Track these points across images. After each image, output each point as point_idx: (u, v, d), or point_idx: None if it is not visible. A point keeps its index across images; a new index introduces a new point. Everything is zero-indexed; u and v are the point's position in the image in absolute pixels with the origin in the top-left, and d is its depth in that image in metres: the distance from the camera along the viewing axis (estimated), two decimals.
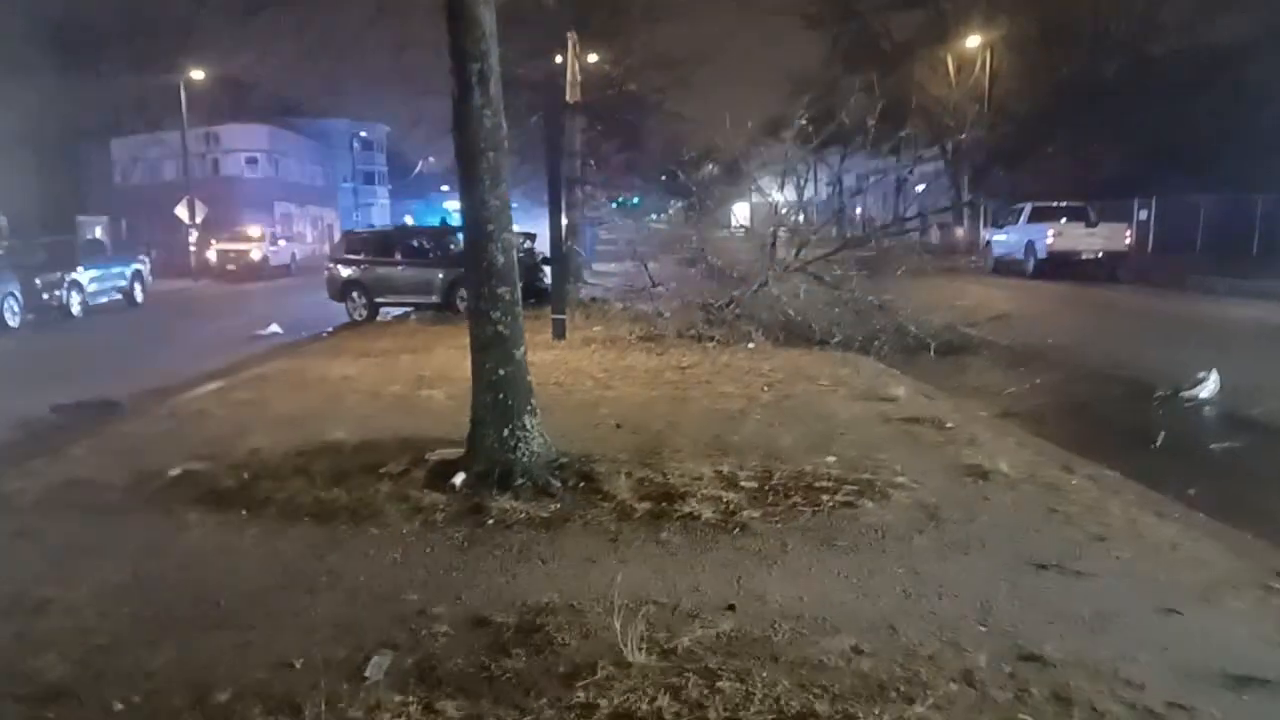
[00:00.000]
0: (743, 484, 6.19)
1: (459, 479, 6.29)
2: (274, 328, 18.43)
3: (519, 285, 6.74)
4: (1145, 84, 36.55)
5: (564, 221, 16.53)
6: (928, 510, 5.69)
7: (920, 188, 44.92)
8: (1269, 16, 32.23)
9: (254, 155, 56.95)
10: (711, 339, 13.34)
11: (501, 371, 6.52)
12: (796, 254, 14.67)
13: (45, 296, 22.53)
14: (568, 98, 15.02)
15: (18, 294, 21.42)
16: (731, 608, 4.34)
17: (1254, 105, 30.85)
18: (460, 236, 19.86)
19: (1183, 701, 3.47)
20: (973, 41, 38.47)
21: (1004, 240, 29.89)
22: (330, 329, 18.86)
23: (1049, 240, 26.89)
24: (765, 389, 9.86)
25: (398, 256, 20.53)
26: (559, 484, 6.25)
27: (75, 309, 23.33)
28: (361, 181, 77.05)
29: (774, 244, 14.78)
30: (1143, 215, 33.49)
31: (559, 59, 23.40)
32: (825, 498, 5.84)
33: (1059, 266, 26.63)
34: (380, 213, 77.11)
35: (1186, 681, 3.64)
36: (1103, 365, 11.87)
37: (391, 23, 12.86)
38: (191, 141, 43.95)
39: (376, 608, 4.49)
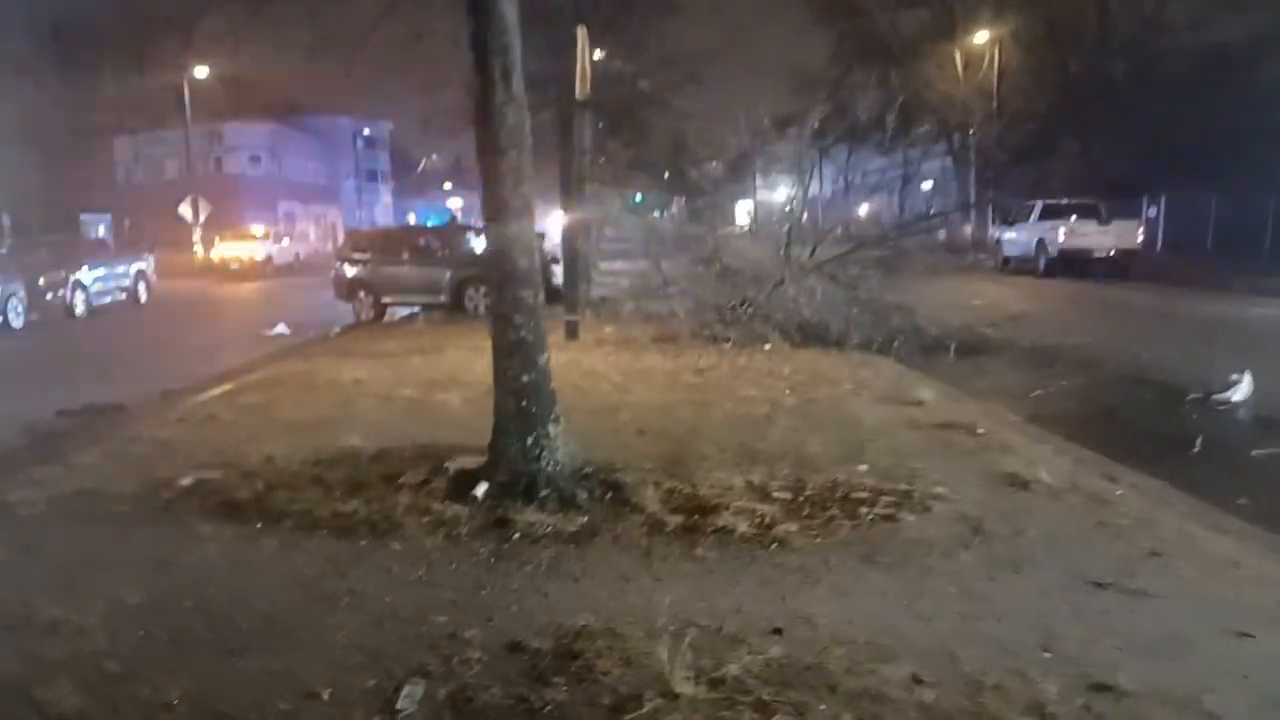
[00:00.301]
0: (776, 495, 5.96)
1: (481, 490, 6.07)
2: (281, 328, 18.22)
3: (542, 289, 6.52)
4: (1152, 82, 36.34)
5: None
6: (971, 523, 5.46)
7: (926, 185, 44.73)
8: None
9: (257, 153, 56.81)
10: (727, 340, 13.11)
11: (525, 378, 6.30)
12: (811, 253, 14.44)
13: (49, 296, 22.31)
14: (577, 94, 14.74)
15: (21, 294, 21.21)
16: (779, 631, 4.12)
17: (1265, 105, 30.58)
18: (469, 236, 19.70)
19: None
20: (980, 38, 38.22)
21: (1014, 238, 29.68)
22: (337, 329, 18.64)
23: (1061, 238, 26.68)
24: (788, 392, 9.64)
25: (405, 256, 20.30)
26: (585, 495, 6.02)
27: (79, 309, 23.12)
28: (364, 179, 76.87)
29: (789, 243, 14.54)
30: (1151, 213, 33.28)
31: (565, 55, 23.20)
32: (864, 510, 5.61)
33: (1070, 265, 26.42)
34: (383, 211, 77.00)
35: (1276, 714, 3.41)
36: (1127, 367, 11.65)
37: (408, 12, 12.55)
38: (194, 139, 43.73)
39: (404, 630, 4.27)
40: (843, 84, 41.36)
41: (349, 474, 6.67)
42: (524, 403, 6.28)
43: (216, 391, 10.82)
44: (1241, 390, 9.40)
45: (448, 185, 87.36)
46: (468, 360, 12.30)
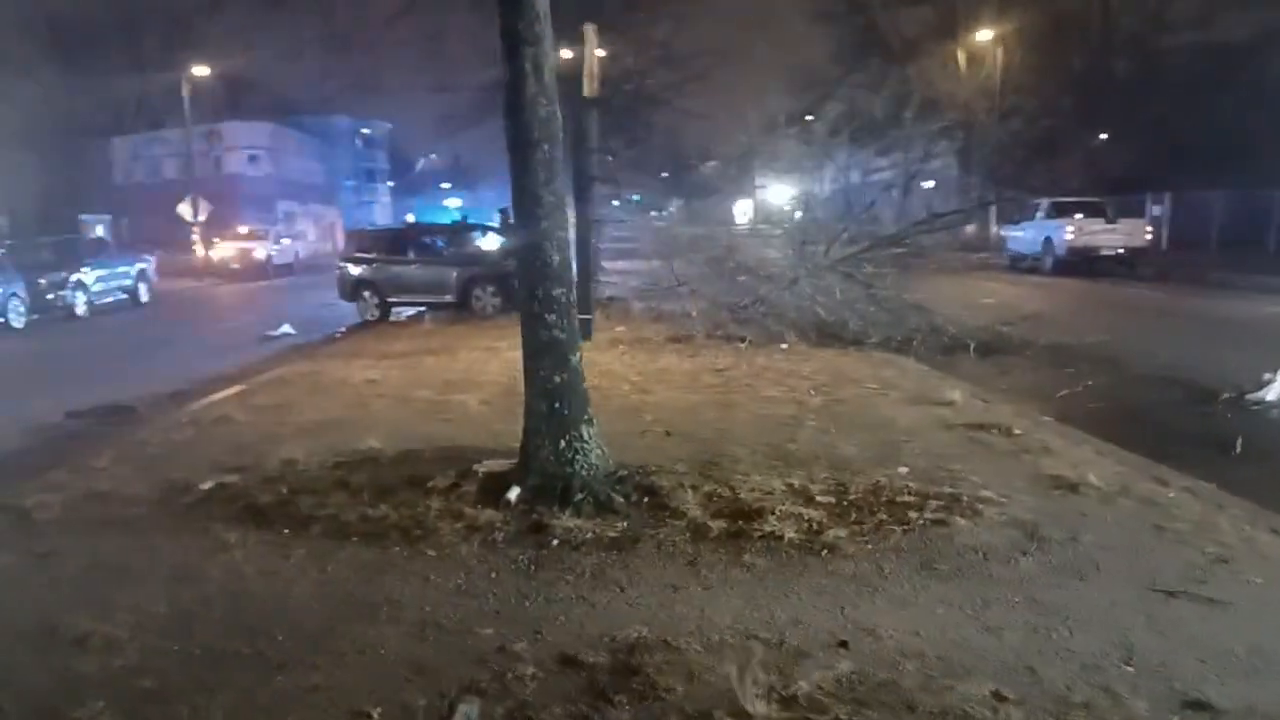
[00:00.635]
0: (818, 499, 5.77)
1: (513, 494, 5.87)
2: (286, 328, 18.02)
3: (574, 286, 6.33)
4: (1156, 80, 36.24)
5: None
6: (1025, 529, 5.27)
7: (929, 184, 44.53)
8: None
9: (256, 152, 56.58)
10: (742, 340, 12.91)
11: (557, 378, 6.10)
12: (826, 252, 14.26)
13: (50, 297, 22.16)
14: (585, 92, 14.55)
15: (22, 294, 21.04)
16: (844, 645, 3.93)
17: (1270, 101, 30.48)
18: (475, 234, 19.49)
19: None
20: (984, 36, 38.06)
21: (1020, 237, 29.50)
22: (343, 329, 18.46)
23: (1068, 236, 26.51)
24: (812, 393, 9.45)
25: (411, 255, 20.10)
26: (621, 500, 5.83)
27: (80, 309, 22.96)
28: (363, 179, 76.64)
29: (804, 241, 14.36)
30: (1155, 211, 33.13)
31: (568, 53, 23.01)
32: (913, 515, 5.42)
33: (1078, 263, 26.25)
34: (381, 210, 76.78)
35: None
36: (1150, 366, 11.46)
37: (425, 10, 12.36)
38: (193, 139, 43.46)
39: (449, 644, 4.08)
40: (843, 82, 41.15)
41: (374, 477, 6.47)
42: (556, 404, 6.09)
43: (227, 393, 10.62)
44: (1275, 389, 9.22)
45: (445, 185, 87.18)
46: (481, 360, 12.14)
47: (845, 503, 5.69)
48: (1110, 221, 26.83)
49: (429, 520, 5.57)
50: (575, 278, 15.17)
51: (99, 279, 24.13)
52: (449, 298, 19.21)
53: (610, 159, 21.63)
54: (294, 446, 7.51)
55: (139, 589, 4.74)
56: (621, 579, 4.75)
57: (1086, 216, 27.03)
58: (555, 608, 4.43)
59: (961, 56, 39.17)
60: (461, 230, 23.73)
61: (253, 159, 56.61)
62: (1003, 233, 31.33)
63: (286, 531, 5.54)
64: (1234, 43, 34.89)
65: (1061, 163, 36.65)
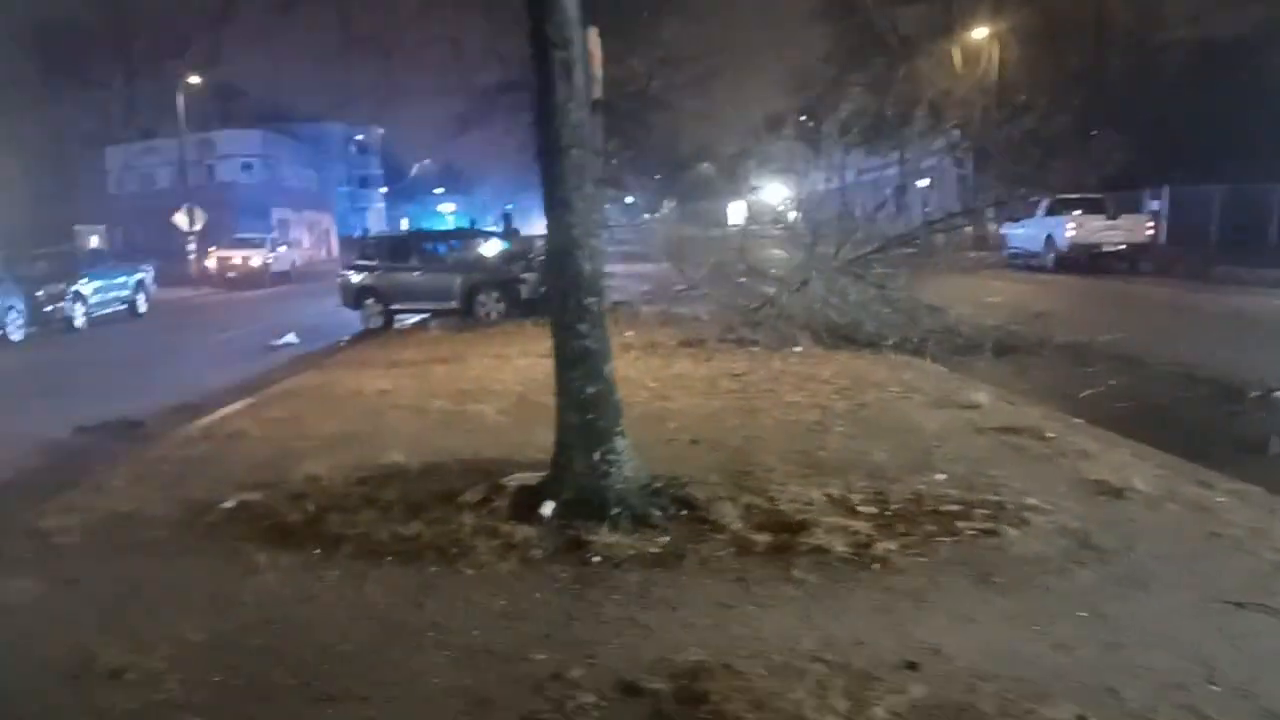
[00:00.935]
0: (860, 509, 5.63)
1: (548, 509, 5.73)
2: (289, 337, 17.86)
3: (605, 294, 6.19)
4: (1152, 75, 36.15)
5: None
6: (1077, 537, 5.14)
7: (924, 183, 44.40)
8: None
9: (249, 160, 56.37)
10: (755, 343, 12.77)
11: (590, 389, 5.96)
12: (837, 252, 14.12)
13: (48, 309, 21.95)
14: (591, 96, 14.46)
15: (20, 306, 20.83)
16: (913, 666, 3.79)
17: (1267, 96, 30.41)
18: (479, 240, 19.34)
19: None
20: (979, 34, 37.98)
21: (1021, 234, 29.39)
22: (347, 338, 18.31)
23: (1070, 233, 26.42)
24: (834, 397, 9.32)
25: (414, 261, 19.97)
26: (659, 513, 5.69)
27: (79, 321, 22.75)
28: (357, 185, 76.40)
29: (815, 241, 14.23)
30: (1154, 206, 33.03)
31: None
32: (961, 525, 5.29)
33: (1080, 260, 26.16)
34: (375, 217, 76.51)
35: None
36: (1170, 364, 11.36)
37: (442, 9, 12.21)
38: (186, 147, 43.24)
39: (501, 671, 3.94)
40: (842, 81, 41.06)
41: (401, 493, 6.32)
42: (589, 415, 5.95)
43: (238, 405, 10.47)
44: None
45: (439, 190, 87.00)
46: (492, 369, 12.00)
47: (889, 513, 5.55)
48: (1112, 218, 26.75)
49: (464, 538, 5.42)
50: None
51: (97, 290, 23.92)
52: (453, 304, 19.09)
53: (611, 162, 21.53)
54: (315, 461, 7.35)
55: (172, 616, 4.59)
56: (670, 597, 4.61)
57: (1088, 213, 26.93)
58: (606, 629, 4.30)
59: (958, 54, 39.06)
60: (464, 236, 23.59)
61: (246, 167, 56.40)
62: (1003, 231, 31.22)
63: (317, 552, 5.40)
64: (1229, 38, 34.82)
65: (1061, 160, 36.48)
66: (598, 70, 16.04)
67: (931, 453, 7.06)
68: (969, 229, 35.08)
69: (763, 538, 5.23)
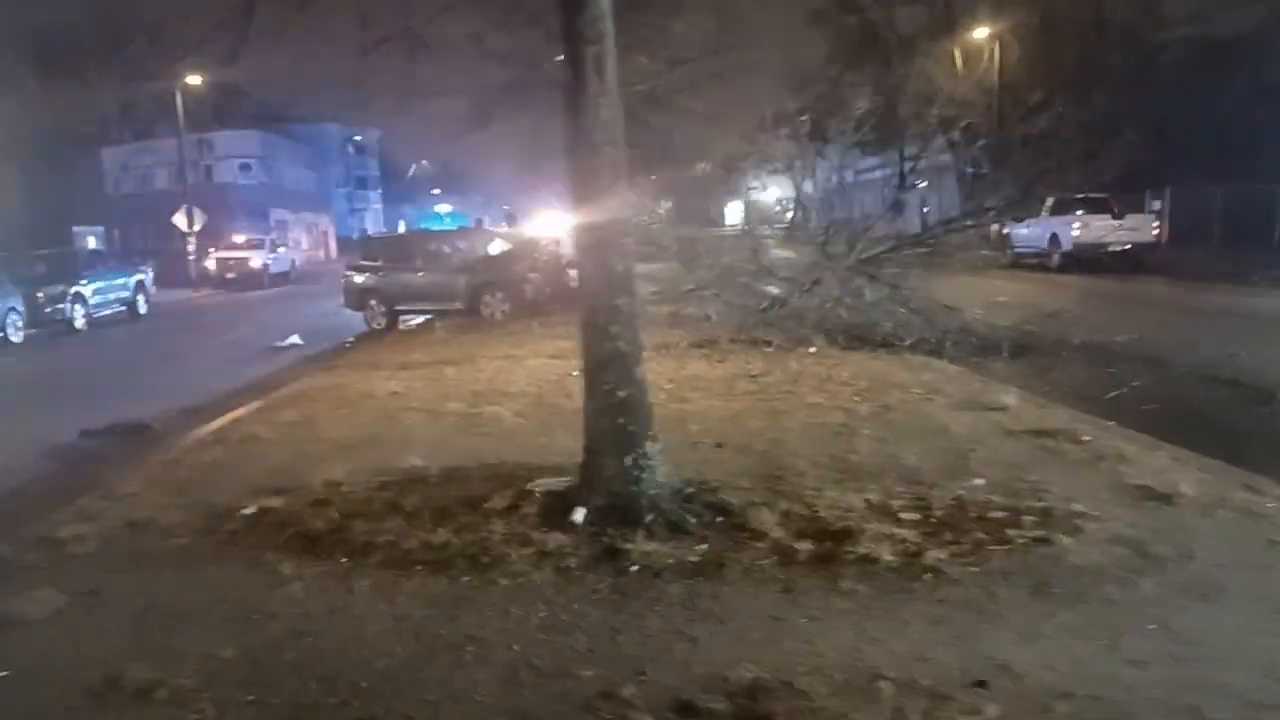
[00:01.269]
0: (903, 516, 5.46)
1: (579, 515, 5.55)
2: (294, 339, 17.67)
3: (636, 295, 6.02)
4: (1153, 75, 36.03)
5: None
6: (1133, 546, 4.97)
7: (922, 184, 44.21)
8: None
9: (248, 161, 56.10)
10: (768, 344, 12.60)
11: (621, 393, 5.79)
12: (850, 252, 13.95)
13: (48, 310, 21.77)
14: None
15: (20, 308, 20.63)
16: (983, 684, 3.62)
17: (1269, 95, 30.31)
18: (483, 240, 19.15)
19: None
20: (980, 33, 37.83)
21: (1025, 234, 29.22)
22: (351, 339, 18.12)
23: (1075, 233, 26.26)
24: (856, 399, 9.16)
25: (418, 262, 19.79)
26: (694, 520, 5.51)
27: (79, 322, 22.57)
28: (354, 186, 76.14)
29: (826, 241, 14.07)
30: (1155, 206, 32.92)
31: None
32: (1010, 532, 5.12)
33: (1085, 260, 26.01)
34: (373, 218, 76.30)
35: None
36: (1192, 364, 11.21)
37: (454, 13, 12.01)
38: (184, 148, 43.03)
39: (548, 688, 3.77)
40: (840, 81, 40.90)
41: (425, 499, 6.14)
42: (620, 419, 5.77)
43: (248, 408, 10.30)
44: None
45: (436, 191, 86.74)
46: (504, 370, 11.82)
47: (933, 520, 5.38)
48: (1117, 217, 26.57)
49: (494, 546, 5.25)
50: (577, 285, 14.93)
51: (97, 291, 23.75)
52: (457, 304, 18.93)
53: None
54: (333, 466, 7.18)
55: (200, 630, 4.41)
56: (715, 609, 4.44)
57: (1090, 213, 26.77)
58: (653, 644, 4.13)
59: (958, 54, 38.89)
60: (468, 235, 23.42)
61: (244, 168, 56.16)
62: (1006, 230, 31.05)
63: (344, 561, 5.22)
64: (1231, 37, 34.71)
65: (1058, 159, 36.33)
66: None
67: (966, 456, 6.89)
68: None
69: (805, 546, 5.06)
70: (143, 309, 25.92)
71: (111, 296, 24.60)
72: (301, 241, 56.89)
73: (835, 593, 4.55)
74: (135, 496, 6.80)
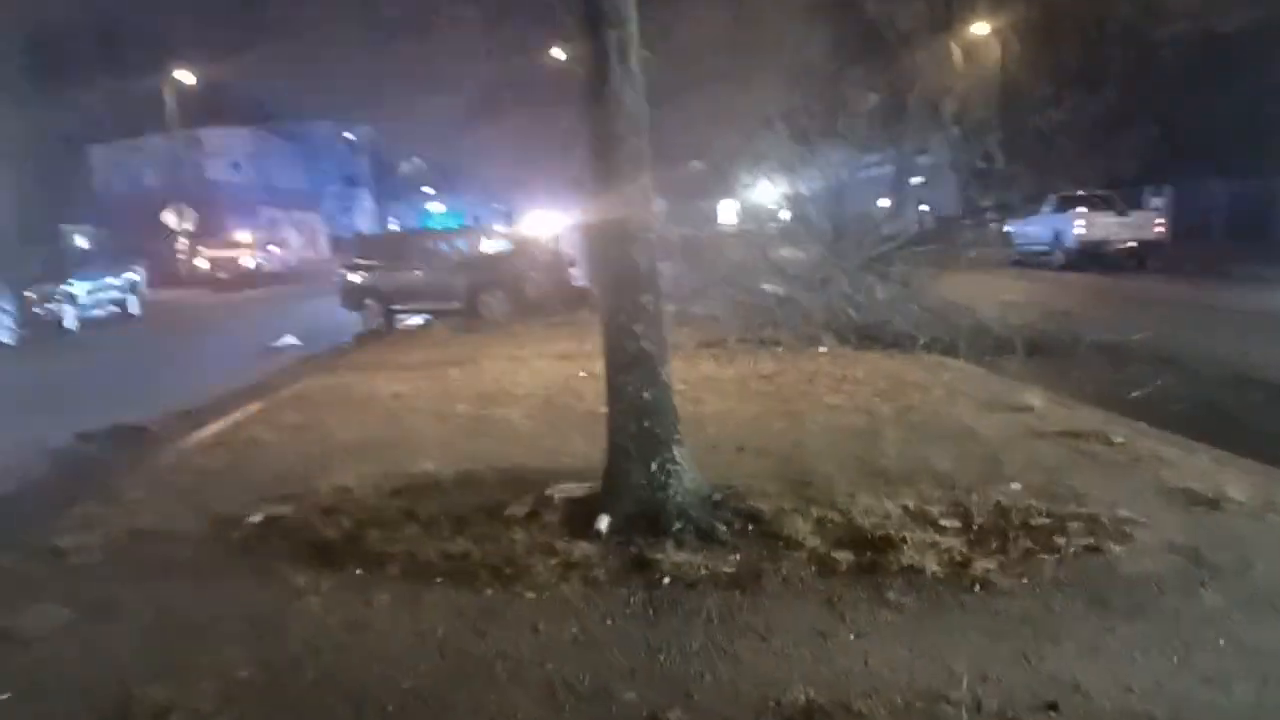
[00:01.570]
0: (942, 523, 5.25)
1: (603, 523, 5.33)
2: (290, 339, 17.39)
3: (661, 293, 5.78)
4: (1153, 70, 35.88)
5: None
6: (1187, 555, 4.76)
7: (918, 181, 43.99)
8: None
9: (238, 159, 55.64)
10: (777, 343, 12.38)
11: (646, 394, 5.56)
12: (858, 249, 13.74)
13: (38, 310, 21.38)
14: None
15: (10, 308, 20.29)
16: (1054, 707, 3.40)
17: (1270, 91, 30.19)
18: (481, 238, 18.89)
19: None
20: (980, 30, 37.66)
21: (1027, 231, 29.01)
22: (349, 339, 17.82)
23: (1079, 230, 26.08)
24: (876, 399, 8.93)
25: (416, 261, 19.52)
26: (724, 528, 5.29)
27: (70, 323, 22.20)
28: (345, 184, 75.64)
29: (835, 239, 13.85)
30: (1155, 203, 32.77)
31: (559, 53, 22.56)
32: (1058, 540, 4.90)
33: (1088, 257, 25.84)
34: (364, 216, 75.75)
35: None
36: (1213, 363, 11.02)
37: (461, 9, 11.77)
38: (174, 146, 42.61)
39: (591, 712, 3.54)
40: (839, 77, 40.63)
41: (441, 506, 5.90)
42: (646, 423, 5.55)
43: (248, 410, 10.04)
44: None
45: (427, 189, 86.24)
46: (509, 371, 11.59)
47: (975, 527, 5.17)
48: (1121, 214, 26.40)
49: (517, 556, 5.02)
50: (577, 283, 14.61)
51: (88, 291, 23.38)
52: (456, 304, 18.69)
53: None
54: (341, 471, 6.94)
55: (213, 647, 4.17)
56: (757, 624, 4.22)
57: (1093, 210, 26.60)
58: (695, 663, 3.90)
59: (957, 51, 38.71)
60: (467, 234, 23.17)
61: (234, 166, 55.65)
62: (1008, 227, 30.85)
63: (360, 572, 4.99)
64: (1232, 33, 34.59)
65: (1057, 157, 36.15)
66: None
67: (997, 459, 6.68)
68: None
69: (845, 555, 4.84)
70: (135, 309, 25.56)
71: (103, 296, 24.24)
72: (292, 240, 56.36)
73: (882, 606, 4.33)
74: (138, 503, 6.55)
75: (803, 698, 3.52)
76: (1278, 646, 3.81)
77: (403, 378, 11.52)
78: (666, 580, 4.70)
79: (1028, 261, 28.14)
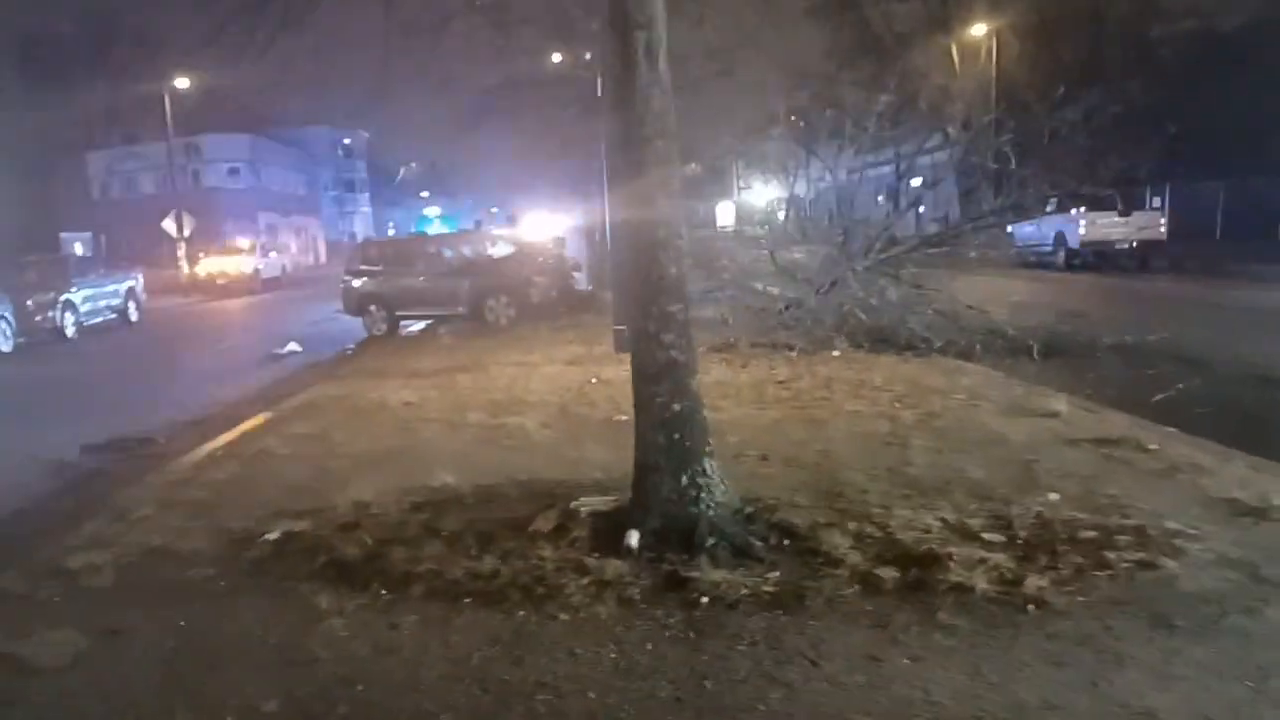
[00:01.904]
0: (985, 536, 5.06)
1: (634, 539, 5.14)
2: (293, 346, 17.20)
3: (688, 301, 5.60)
4: (1151, 70, 35.77)
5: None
6: (1243, 569, 4.59)
7: (916, 182, 43.84)
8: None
9: (236, 165, 55.50)
10: (790, 347, 12.20)
11: (676, 405, 5.38)
12: (867, 252, 13.56)
13: (38, 318, 21.21)
14: (599, 92, 13.88)
15: (10, 316, 20.09)
16: None
17: (1268, 91, 30.07)
18: (486, 243, 18.73)
19: None
20: (977, 30, 37.57)
21: (1029, 232, 28.87)
22: (352, 346, 17.66)
23: (1082, 230, 25.94)
24: (897, 405, 8.76)
25: (420, 266, 19.33)
26: (760, 543, 5.10)
27: (69, 330, 22.03)
28: (343, 190, 75.51)
29: (845, 241, 13.68)
30: (1155, 203, 32.63)
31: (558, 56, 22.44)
32: (1108, 555, 4.72)
33: (1091, 257, 25.71)
34: (362, 221, 75.67)
35: None
36: (1234, 364, 10.86)
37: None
38: (172, 152, 42.44)
39: None
40: (837, 78, 40.58)
41: (463, 521, 5.71)
42: (676, 435, 5.36)
43: (256, 421, 9.87)
44: None
45: (424, 194, 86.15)
46: (520, 378, 11.42)
47: (1020, 541, 4.98)
48: (1123, 215, 26.26)
49: (548, 574, 4.83)
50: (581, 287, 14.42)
51: (87, 299, 23.21)
52: (460, 309, 18.52)
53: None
54: (358, 484, 6.76)
55: (237, 677, 3.99)
56: (805, 649, 4.03)
57: (1099, 210, 26.44)
58: (744, 691, 3.71)
59: (955, 51, 38.64)
60: (470, 238, 22.99)
61: (233, 171, 55.53)
62: (1010, 228, 30.69)
63: (385, 593, 4.80)
64: (1229, 31, 34.50)
65: (1055, 157, 36.00)
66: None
67: (1030, 468, 6.50)
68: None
69: (889, 573, 4.65)
70: (134, 316, 25.39)
71: (102, 304, 24.07)
72: (291, 245, 56.22)
73: (935, 628, 4.15)
74: (148, 520, 6.35)
75: None
76: None
77: (412, 385, 11.36)
78: (705, 600, 4.51)
79: (1030, 262, 28.02)
